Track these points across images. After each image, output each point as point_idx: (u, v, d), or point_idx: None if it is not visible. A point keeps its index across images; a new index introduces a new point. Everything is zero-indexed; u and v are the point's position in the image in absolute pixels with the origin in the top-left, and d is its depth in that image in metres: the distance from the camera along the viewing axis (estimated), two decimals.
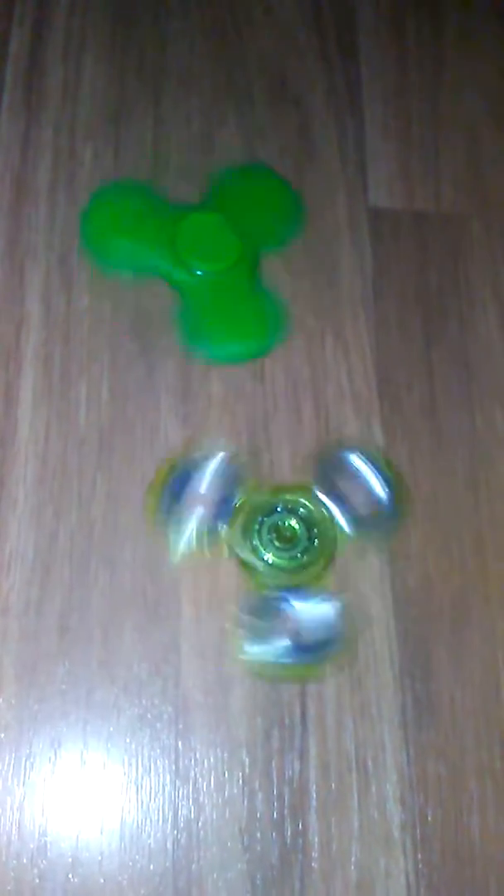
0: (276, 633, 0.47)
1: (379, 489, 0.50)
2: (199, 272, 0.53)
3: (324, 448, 0.51)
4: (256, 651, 0.47)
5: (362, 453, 0.51)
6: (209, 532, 0.48)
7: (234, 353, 0.54)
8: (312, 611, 0.47)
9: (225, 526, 0.48)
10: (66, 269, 0.54)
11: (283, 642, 0.46)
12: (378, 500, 0.50)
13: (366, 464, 0.50)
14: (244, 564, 0.48)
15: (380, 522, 0.50)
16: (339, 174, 0.59)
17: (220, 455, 0.50)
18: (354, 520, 0.49)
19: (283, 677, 0.47)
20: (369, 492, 0.50)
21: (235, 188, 0.57)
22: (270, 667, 0.47)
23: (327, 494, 0.49)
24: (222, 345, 0.54)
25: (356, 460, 0.50)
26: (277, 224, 0.57)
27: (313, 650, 0.47)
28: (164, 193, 0.56)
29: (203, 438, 0.51)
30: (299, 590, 0.48)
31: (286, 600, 0.47)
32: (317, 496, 0.49)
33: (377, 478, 0.50)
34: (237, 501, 0.49)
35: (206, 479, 0.49)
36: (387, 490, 0.50)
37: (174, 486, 0.49)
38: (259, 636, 0.47)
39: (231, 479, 0.49)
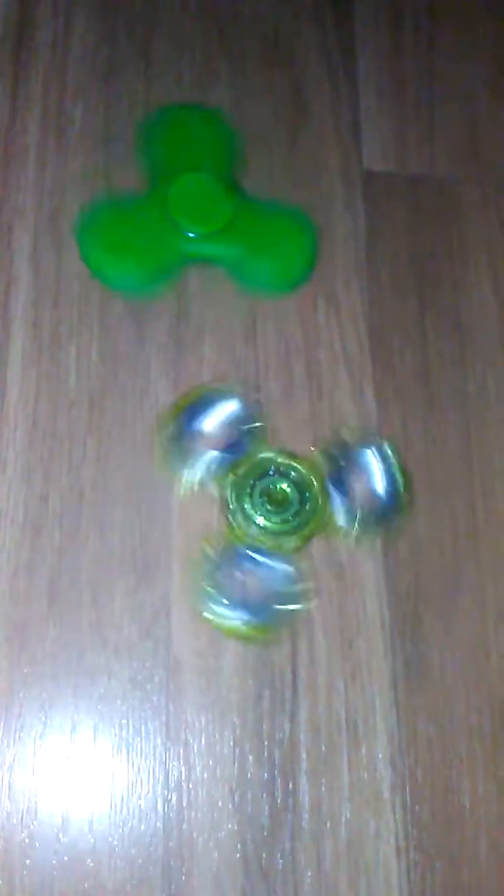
0: (233, 589, 0.46)
1: (383, 491, 0.49)
2: (191, 234, 0.52)
3: (340, 437, 0.50)
4: (211, 605, 0.46)
5: (377, 449, 0.50)
6: (215, 471, 0.48)
7: (292, 271, 0.54)
8: (268, 571, 0.47)
9: (222, 478, 0.48)
10: (55, 229, 0.53)
11: (236, 599, 0.46)
12: (380, 502, 0.49)
13: (378, 462, 0.49)
14: (232, 525, 0.47)
15: (376, 521, 0.49)
16: (333, 136, 0.58)
17: (237, 397, 0.49)
18: (351, 513, 0.49)
19: (227, 633, 0.46)
20: (373, 492, 0.49)
21: (166, 138, 0.55)
22: (220, 621, 0.46)
23: (332, 482, 0.49)
24: (280, 271, 0.54)
25: (370, 457, 0.50)
26: (222, 146, 0.56)
27: (259, 611, 0.46)
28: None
29: (226, 378, 0.51)
30: (262, 550, 0.47)
31: (248, 557, 0.47)
32: (318, 469, 0.49)
33: (384, 479, 0.49)
34: (247, 449, 0.48)
35: (219, 418, 0.49)
36: (392, 491, 0.49)
37: (187, 420, 0.49)
38: (218, 591, 0.46)
39: (245, 425, 0.49)
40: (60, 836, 0.43)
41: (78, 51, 0.58)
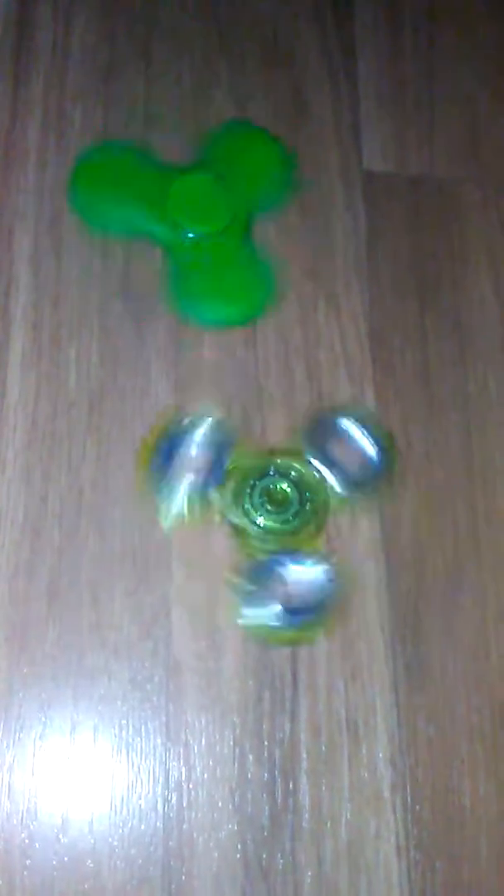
0: (270, 597, 0.46)
1: (369, 450, 0.49)
2: (190, 234, 0.53)
3: (315, 412, 0.51)
4: (252, 615, 0.46)
5: (353, 416, 0.50)
6: (200, 498, 0.48)
7: (224, 317, 0.53)
8: (304, 575, 0.47)
9: (215, 492, 0.48)
10: (56, 231, 0.53)
11: (276, 606, 0.46)
12: (369, 461, 0.49)
13: (356, 426, 0.50)
14: (236, 530, 0.48)
15: (370, 482, 0.49)
16: (333, 137, 0.58)
17: (210, 420, 0.49)
18: (345, 481, 0.49)
19: (277, 641, 0.46)
20: (360, 453, 0.49)
21: (228, 148, 0.56)
22: (266, 630, 0.46)
23: (318, 457, 0.49)
24: (212, 309, 0.53)
25: (347, 423, 0.50)
26: (270, 186, 0.56)
27: (305, 613, 0.47)
28: (155, 154, 0.55)
29: (193, 403, 0.50)
30: (291, 554, 0.47)
31: (279, 564, 0.47)
32: (308, 459, 0.49)
33: (368, 439, 0.50)
34: (228, 466, 0.48)
35: (196, 445, 0.49)
36: (377, 450, 0.50)
37: (164, 451, 0.48)
38: (253, 601, 0.47)
39: (221, 444, 0.49)
40: (60, 836, 0.43)
41: (78, 52, 0.58)
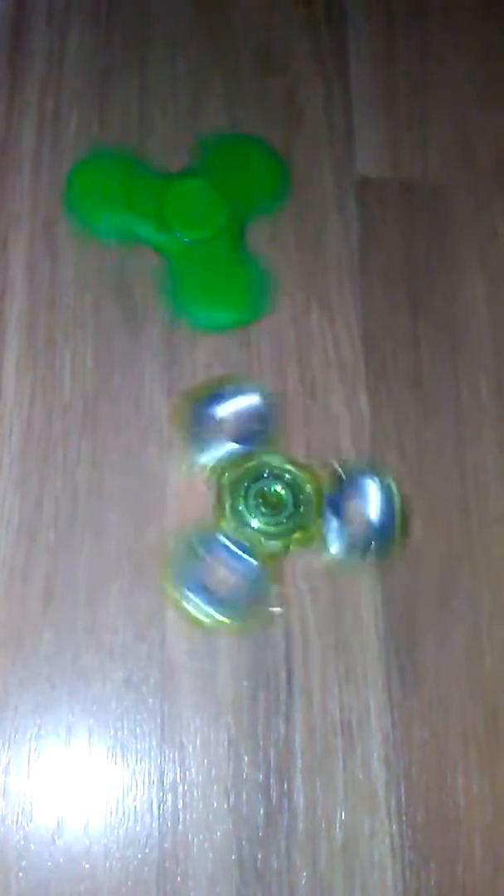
0: (202, 576, 0.47)
1: (379, 517, 0.49)
2: (185, 239, 0.53)
3: (345, 463, 0.50)
4: (192, 598, 0.46)
5: (379, 480, 0.50)
6: (225, 462, 0.49)
7: (219, 321, 0.54)
8: (234, 560, 0.47)
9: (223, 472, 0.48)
10: (51, 235, 0.54)
11: (204, 587, 0.46)
12: (374, 529, 0.49)
13: (378, 490, 0.50)
14: (218, 504, 0.48)
15: (370, 548, 0.49)
16: (326, 143, 0.59)
17: (258, 393, 0.50)
18: (346, 539, 0.49)
19: (207, 627, 0.46)
20: (369, 519, 0.49)
21: (222, 155, 0.56)
22: (200, 615, 0.46)
23: (329, 503, 0.49)
24: (207, 313, 0.54)
25: (370, 485, 0.50)
26: (263, 192, 0.57)
27: (231, 604, 0.47)
28: (150, 160, 0.56)
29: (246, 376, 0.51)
30: (241, 545, 0.47)
31: (225, 548, 0.47)
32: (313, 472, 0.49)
33: (382, 506, 0.49)
34: (255, 446, 0.49)
35: (237, 408, 0.49)
36: (388, 521, 0.49)
37: (204, 408, 0.49)
38: (189, 575, 0.47)
39: (260, 421, 0.50)
40: (56, 838, 0.43)
41: (73, 59, 0.58)
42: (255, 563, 0.47)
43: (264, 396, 0.51)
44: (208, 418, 0.49)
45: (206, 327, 0.53)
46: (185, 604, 0.46)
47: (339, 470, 0.50)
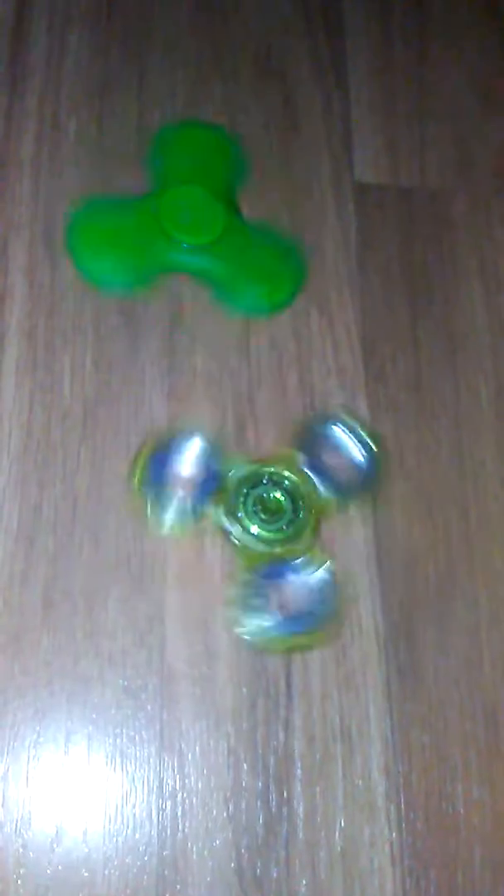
0: (269, 607, 0.46)
1: (358, 457, 0.50)
2: (196, 246, 0.53)
3: (306, 419, 0.51)
4: (252, 625, 0.46)
5: (343, 423, 0.50)
6: (193, 512, 0.48)
7: (278, 296, 0.54)
8: (302, 583, 0.47)
9: (209, 505, 0.48)
10: (50, 241, 0.54)
11: (276, 615, 0.46)
12: (358, 468, 0.50)
13: (346, 433, 0.50)
14: (233, 542, 0.48)
15: (359, 488, 0.49)
16: (325, 149, 0.59)
17: (199, 436, 0.49)
18: (335, 487, 0.49)
19: (278, 649, 0.46)
20: (349, 460, 0.50)
21: (173, 153, 0.56)
22: (266, 640, 0.47)
23: (309, 464, 0.49)
24: (264, 294, 0.54)
25: (337, 430, 0.50)
26: (227, 165, 0.57)
27: (304, 621, 0.47)
28: (142, 176, 0.55)
29: (184, 416, 0.51)
30: (287, 563, 0.47)
31: (277, 574, 0.47)
32: (301, 467, 0.49)
33: (357, 446, 0.50)
34: (220, 480, 0.48)
35: (187, 461, 0.49)
36: (367, 457, 0.50)
37: (156, 466, 0.48)
38: (252, 611, 0.47)
39: (212, 459, 0.49)
40: (55, 845, 0.43)
41: (72, 65, 0.59)
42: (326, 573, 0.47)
43: (205, 440, 0.50)
44: (162, 479, 0.49)
45: (269, 308, 0.54)
46: (259, 637, 0.47)
47: (305, 429, 0.50)
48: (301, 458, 0.49)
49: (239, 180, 0.56)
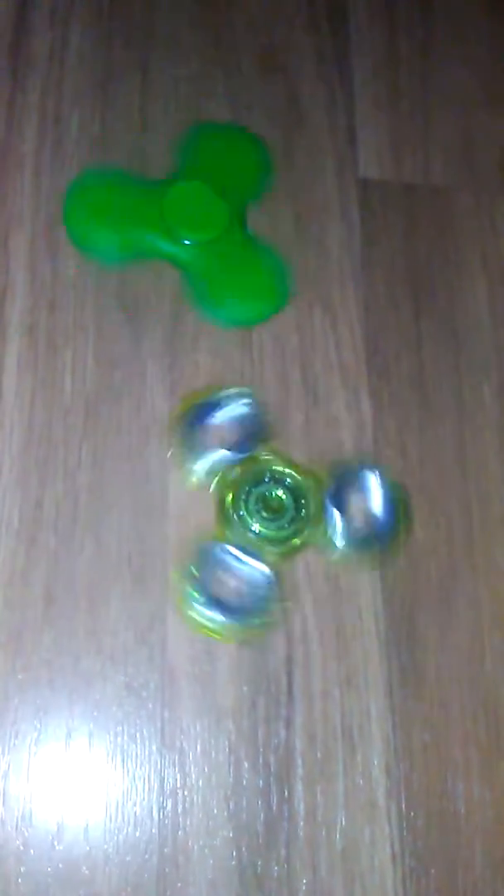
0: (216, 588, 0.46)
1: (381, 511, 0.49)
2: (193, 242, 0.52)
3: (342, 460, 0.51)
4: (201, 609, 0.46)
5: (379, 474, 0.50)
6: (220, 469, 0.48)
7: (251, 314, 0.54)
8: (250, 571, 0.47)
9: (224, 477, 0.48)
10: (52, 235, 0.53)
11: (221, 598, 0.46)
12: (377, 522, 0.49)
13: (378, 484, 0.50)
14: (222, 513, 0.47)
15: (373, 543, 0.49)
16: (328, 145, 0.59)
17: (248, 397, 0.50)
18: (349, 533, 0.49)
19: (222, 637, 0.46)
20: (371, 512, 0.49)
21: (204, 148, 0.56)
22: (211, 625, 0.46)
23: (331, 499, 0.49)
24: (237, 309, 0.54)
25: (371, 479, 0.50)
26: (251, 176, 0.56)
27: (245, 611, 0.46)
28: (150, 161, 0.55)
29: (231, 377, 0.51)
30: (247, 550, 0.47)
31: (231, 555, 0.47)
32: (314, 475, 0.49)
33: (382, 499, 0.50)
34: (252, 452, 0.49)
35: (229, 417, 0.49)
36: (389, 514, 0.50)
37: (198, 416, 0.49)
38: (201, 587, 0.46)
39: (255, 427, 0.49)
40: (55, 843, 0.43)
41: (75, 59, 0.58)
42: (265, 568, 0.47)
43: (257, 403, 0.50)
44: (203, 427, 0.49)
45: (238, 323, 0.53)
46: (192, 613, 0.46)
47: (340, 466, 0.50)
48: (329, 486, 0.49)
49: (257, 194, 0.56)
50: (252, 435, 0.49)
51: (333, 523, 0.48)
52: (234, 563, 0.47)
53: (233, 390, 0.50)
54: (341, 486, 0.49)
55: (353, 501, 0.49)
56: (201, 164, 0.55)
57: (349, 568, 0.48)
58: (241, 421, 0.49)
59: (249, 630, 0.46)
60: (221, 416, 0.49)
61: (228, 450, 0.49)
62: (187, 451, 0.49)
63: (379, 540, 0.49)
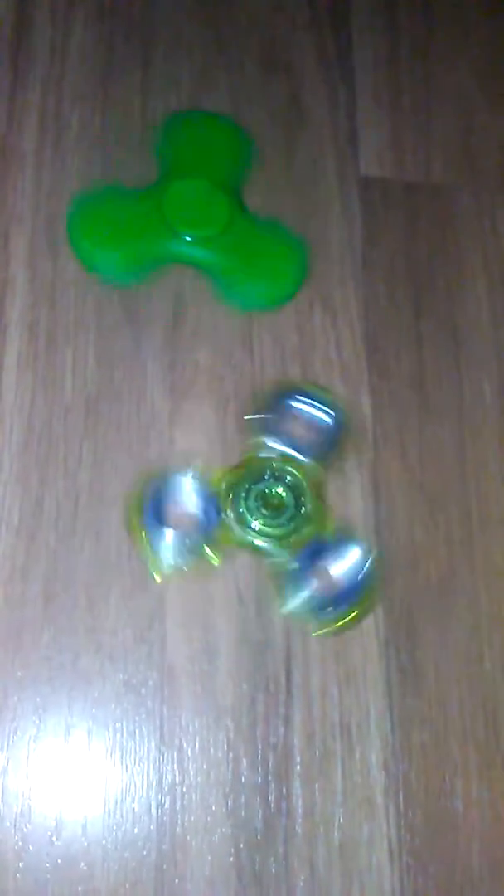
0: (312, 586, 0.47)
1: (323, 417, 0.50)
2: (200, 239, 0.52)
3: (262, 397, 0.51)
4: (297, 604, 0.47)
5: (298, 392, 0.50)
6: (193, 551, 0.48)
7: (277, 292, 0.54)
8: (344, 562, 0.48)
9: (210, 541, 0.48)
10: (52, 233, 0.53)
11: (319, 593, 0.47)
12: (324, 427, 0.50)
13: (304, 401, 0.50)
14: (254, 549, 0.48)
15: (332, 446, 0.50)
16: (330, 142, 0.59)
17: (192, 471, 0.49)
18: (309, 452, 0.49)
19: (323, 628, 0.47)
20: (314, 423, 0.50)
21: (181, 141, 0.56)
22: (311, 617, 0.47)
23: (279, 440, 0.49)
24: (263, 291, 0.54)
25: (294, 401, 0.50)
26: (234, 158, 0.56)
27: (347, 598, 0.47)
28: (146, 169, 0.55)
29: (175, 452, 0.50)
30: (324, 545, 0.48)
31: (315, 554, 0.47)
32: (269, 444, 0.49)
33: (318, 409, 0.50)
34: (218, 515, 0.48)
35: (183, 498, 0.48)
36: (330, 416, 0.50)
37: (151, 507, 0.48)
38: (297, 590, 0.47)
39: (207, 495, 0.48)
40: (54, 839, 0.43)
41: (76, 56, 0.58)
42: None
43: (197, 476, 0.49)
44: (158, 520, 0.48)
45: (269, 305, 0.54)
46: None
47: (268, 400, 0.51)
48: (267, 435, 0.49)
49: (245, 171, 0.56)
50: (209, 508, 0.48)
51: (297, 589, 0.48)
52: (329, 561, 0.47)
53: (168, 470, 0.49)
54: (276, 422, 0.50)
55: (294, 428, 0.50)
56: (182, 159, 0.55)
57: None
58: (193, 494, 0.48)
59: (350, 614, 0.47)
60: (172, 502, 0.48)
61: (193, 525, 0.48)
62: (154, 547, 0.48)
63: (335, 440, 0.50)
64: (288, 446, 0.49)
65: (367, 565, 0.48)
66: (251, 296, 0.54)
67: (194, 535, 0.47)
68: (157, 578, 0.47)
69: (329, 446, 0.50)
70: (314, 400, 0.50)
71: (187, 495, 0.48)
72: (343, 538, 0.49)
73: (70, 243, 0.53)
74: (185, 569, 0.47)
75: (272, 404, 0.50)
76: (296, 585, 0.47)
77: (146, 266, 0.53)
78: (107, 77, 0.58)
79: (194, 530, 0.48)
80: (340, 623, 0.47)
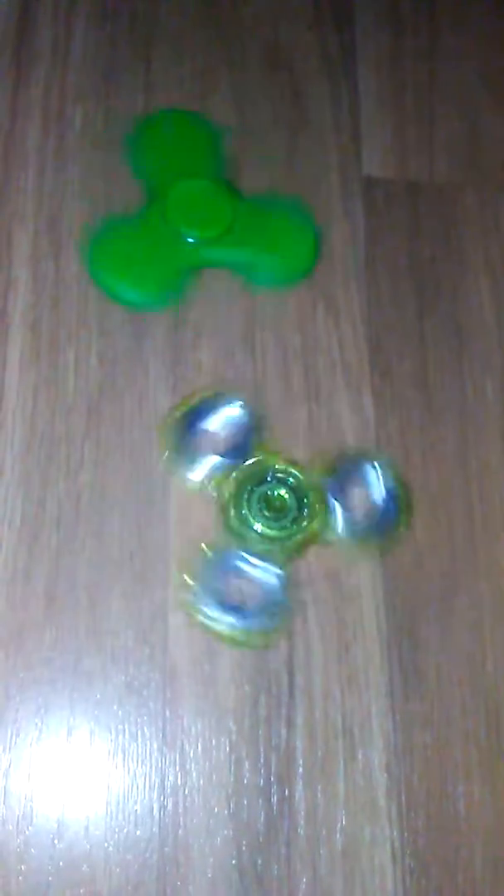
0: (224, 595, 0.46)
1: (380, 500, 0.49)
2: (211, 238, 0.52)
3: (342, 451, 0.51)
4: (211, 614, 0.46)
5: (378, 465, 0.50)
6: (216, 475, 0.48)
7: (301, 265, 0.55)
8: (260, 576, 0.47)
9: (235, 469, 0.48)
10: (55, 232, 0.53)
11: (230, 605, 0.46)
12: (378, 512, 0.49)
13: (379, 475, 0.50)
14: (235, 535, 0.47)
15: (375, 532, 0.49)
16: (333, 142, 0.58)
17: (240, 402, 0.50)
18: (351, 524, 0.49)
19: (228, 642, 0.46)
20: (371, 501, 0.49)
21: (155, 138, 0.56)
22: (219, 630, 0.46)
23: (332, 493, 0.49)
24: (287, 267, 0.55)
25: (370, 471, 0.50)
26: (214, 150, 0.56)
27: (254, 616, 0.46)
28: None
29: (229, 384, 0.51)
30: (257, 555, 0.47)
31: (242, 560, 0.47)
32: (316, 474, 0.49)
33: (382, 490, 0.50)
34: (248, 455, 0.48)
35: (222, 422, 0.49)
36: (391, 504, 0.50)
37: (192, 420, 0.49)
38: (210, 594, 0.46)
39: (248, 430, 0.49)
40: (56, 841, 0.43)
41: (78, 55, 0.58)
42: (278, 570, 0.47)
43: (247, 407, 0.50)
44: (195, 435, 0.49)
45: (288, 283, 0.54)
46: (201, 617, 0.46)
47: (340, 457, 0.50)
48: (329, 484, 0.49)
49: (224, 157, 0.56)
50: (244, 440, 0.49)
51: (335, 516, 0.48)
52: (247, 568, 0.47)
53: (224, 392, 0.50)
54: (342, 479, 0.49)
55: (354, 493, 0.49)
56: (161, 163, 0.55)
57: (351, 566, 0.48)
58: (234, 425, 0.49)
59: (265, 634, 0.46)
60: (214, 423, 0.49)
61: (222, 455, 0.48)
62: (180, 458, 0.49)
63: (379, 530, 0.49)
64: (339, 507, 0.49)
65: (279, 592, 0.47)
66: (275, 275, 0.54)
67: (223, 463, 0.48)
68: (189, 488, 0.47)
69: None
70: (385, 480, 0.50)
71: (228, 421, 0.49)
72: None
73: (100, 287, 0.52)
74: (203, 490, 0.47)
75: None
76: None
77: (177, 282, 0.53)
78: (109, 76, 0.58)
79: (224, 457, 0.48)
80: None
